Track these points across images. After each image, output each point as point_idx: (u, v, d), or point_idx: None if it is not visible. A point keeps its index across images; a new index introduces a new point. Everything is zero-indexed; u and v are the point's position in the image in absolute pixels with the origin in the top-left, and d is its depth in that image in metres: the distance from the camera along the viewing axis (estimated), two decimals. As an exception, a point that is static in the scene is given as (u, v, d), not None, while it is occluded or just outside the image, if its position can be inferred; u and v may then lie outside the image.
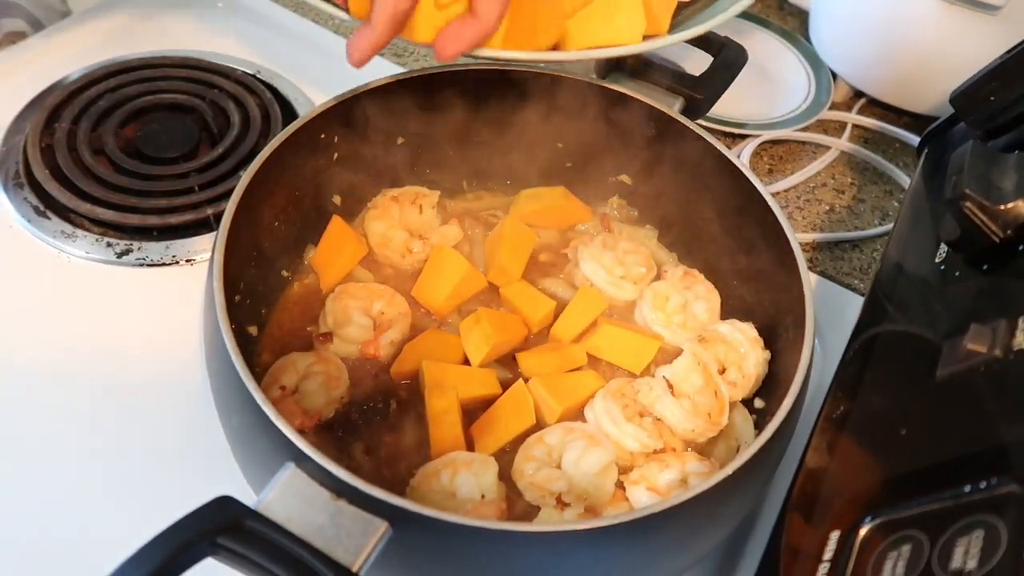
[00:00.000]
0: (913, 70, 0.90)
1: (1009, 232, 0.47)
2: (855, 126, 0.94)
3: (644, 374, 0.60)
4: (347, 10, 0.50)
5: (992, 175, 0.48)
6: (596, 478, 0.52)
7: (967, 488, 0.35)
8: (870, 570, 0.36)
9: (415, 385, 0.58)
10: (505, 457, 0.54)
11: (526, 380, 0.57)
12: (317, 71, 0.88)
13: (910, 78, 0.91)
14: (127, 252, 0.70)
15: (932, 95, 0.91)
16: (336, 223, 0.63)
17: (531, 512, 0.52)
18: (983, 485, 0.34)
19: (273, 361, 0.56)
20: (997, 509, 0.33)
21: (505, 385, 0.57)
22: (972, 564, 0.32)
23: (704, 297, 0.64)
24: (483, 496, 0.49)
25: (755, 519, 0.58)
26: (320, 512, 0.39)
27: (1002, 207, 0.47)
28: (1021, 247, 0.47)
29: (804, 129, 0.91)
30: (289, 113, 0.83)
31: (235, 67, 0.86)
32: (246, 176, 0.54)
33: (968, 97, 0.57)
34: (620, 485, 0.54)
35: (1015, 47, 0.57)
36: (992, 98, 0.55)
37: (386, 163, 0.68)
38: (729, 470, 0.44)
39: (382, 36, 0.47)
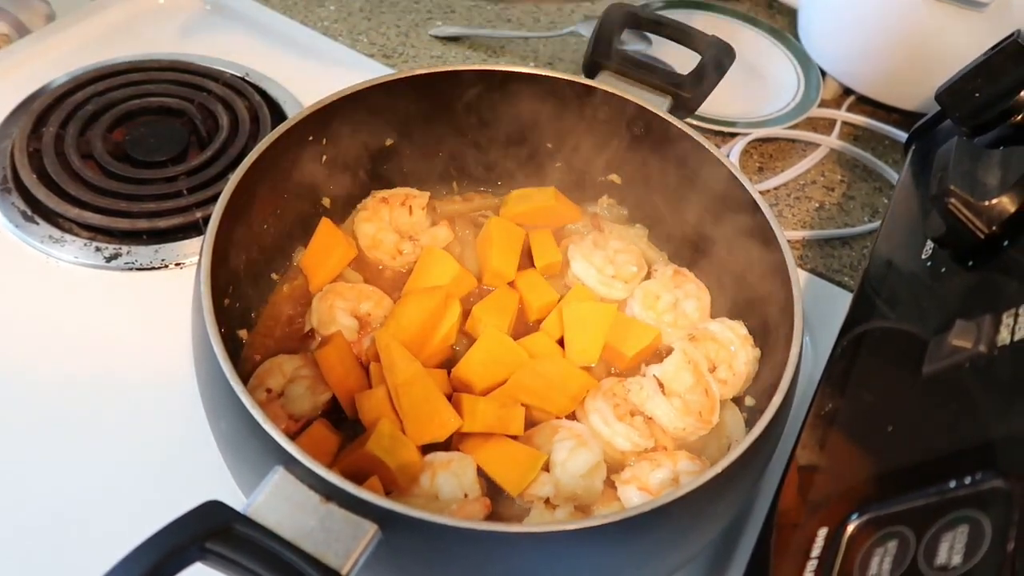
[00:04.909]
0: (902, 67, 0.91)
1: (994, 228, 0.47)
2: (844, 123, 0.95)
3: (634, 372, 0.60)
4: None
5: (977, 171, 0.48)
6: (584, 479, 0.52)
7: (952, 484, 0.35)
8: (857, 566, 0.36)
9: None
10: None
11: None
12: (306, 73, 0.88)
13: (899, 75, 0.92)
14: (116, 256, 0.70)
15: (921, 92, 0.91)
16: (325, 225, 0.63)
17: (521, 511, 0.52)
18: (968, 481, 0.35)
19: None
20: (981, 504, 0.33)
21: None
22: (957, 559, 0.32)
23: (694, 295, 0.64)
24: (466, 495, 0.49)
25: (746, 517, 0.59)
26: (309, 515, 0.39)
27: (986, 203, 0.47)
28: (1005, 243, 0.47)
29: (793, 127, 0.91)
30: (278, 115, 0.83)
31: (223, 70, 0.86)
32: (233, 179, 0.53)
33: (954, 94, 0.58)
34: (611, 484, 0.54)
35: (1000, 43, 0.57)
36: (977, 94, 0.55)
37: (375, 165, 0.68)
38: (719, 468, 0.44)
39: None
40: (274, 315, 0.61)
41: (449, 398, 0.55)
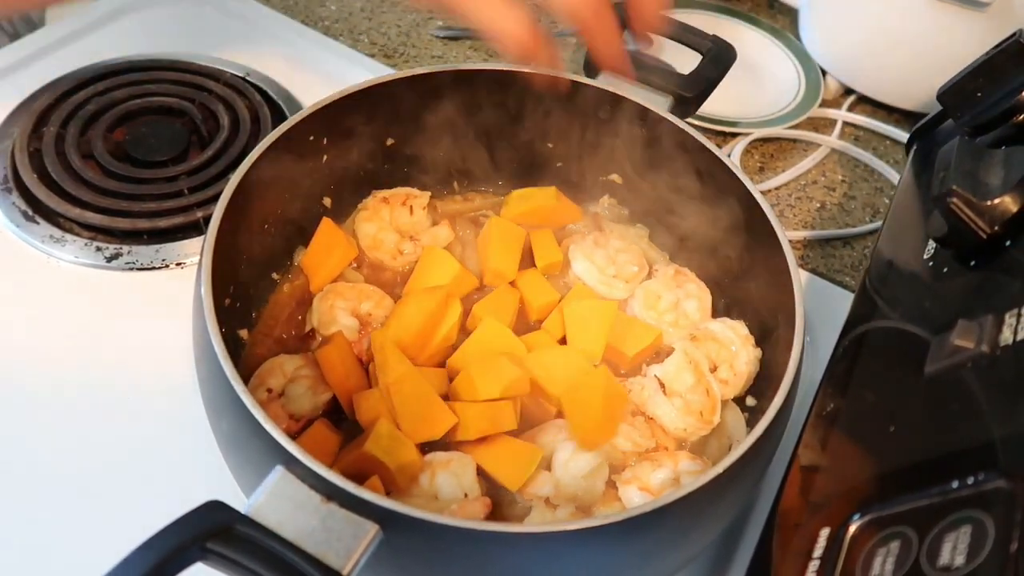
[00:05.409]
0: (903, 67, 0.91)
1: (996, 228, 0.47)
2: (845, 123, 0.95)
3: (635, 372, 0.60)
4: None
5: (979, 171, 0.48)
6: (585, 480, 0.52)
7: (955, 484, 0.35)
8: (860, 567, 0.36)
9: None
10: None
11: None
12: (306, 73, 0.88)
13: (900, 75, 0.92)
14: (117, 256, 0.70)
15: (922, 91, 0.91)
16: (326, 225, 0.63)
17: (522, 511, 0.52)
18: (970, 481, 0.35)
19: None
20: (984, 505, 0.33)
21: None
22: (960, 560, 0.32)
23: (695, 295, 0.64)
24: (466, 495, 0.49)
25: (747, 517, 0.59)
26: (310, 515, 0.39)
27: (989, 203, 0.47)
28: (1008, 243, 0.47)
29: (794, 127, 0.91)
30: (279, 115, 0.83)
31: (224, 69, 0.86)
32: (234, 179, 0.53)
33: (955, 93, 0.58)
34: (612, 484, 0.54)
35: (1002, 43, 0.57)
36: (979, 94, 0.55)
37: (376, 164, 0.68)
38: (720, 468, 0.44)
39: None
40: (275, 315, 0.61)
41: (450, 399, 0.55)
